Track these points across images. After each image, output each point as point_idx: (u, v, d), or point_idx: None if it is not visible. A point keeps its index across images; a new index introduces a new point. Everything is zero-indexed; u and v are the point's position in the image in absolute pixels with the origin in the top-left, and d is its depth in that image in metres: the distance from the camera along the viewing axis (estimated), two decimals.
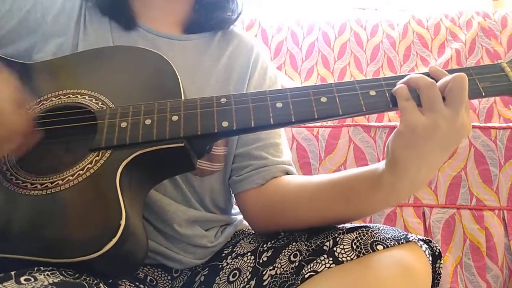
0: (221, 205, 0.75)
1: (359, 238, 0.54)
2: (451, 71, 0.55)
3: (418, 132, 0.51)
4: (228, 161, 0.73)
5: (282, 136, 0.77)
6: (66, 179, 0.51)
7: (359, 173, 0.60)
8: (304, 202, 0.65)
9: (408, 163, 0.53)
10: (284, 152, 0.74)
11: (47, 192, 0.51)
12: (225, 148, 0.72)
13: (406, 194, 0.61)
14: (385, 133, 1.10)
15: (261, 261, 0.63)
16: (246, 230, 0.78)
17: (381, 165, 0.57)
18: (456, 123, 0.51)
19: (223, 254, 0.70)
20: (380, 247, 0.52)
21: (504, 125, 1.09)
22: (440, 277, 0.58)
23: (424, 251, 0.54)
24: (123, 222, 0.47)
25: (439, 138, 0.51)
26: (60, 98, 0.60)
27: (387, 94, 0.55)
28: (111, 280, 0.54)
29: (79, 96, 0.60)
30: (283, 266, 0.60)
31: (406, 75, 0.56)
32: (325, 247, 0.56)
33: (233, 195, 0.77)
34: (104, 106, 0.58)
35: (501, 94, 0.57)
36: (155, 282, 0.68)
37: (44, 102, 0.60)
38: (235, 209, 0.81)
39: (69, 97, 0.60)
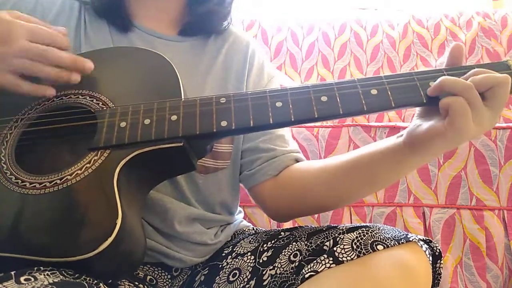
0: (228, 203, 0.75)
1: (359, 238, 0.54)
2: (459, 68, 0.55)
3: (465, 136, 0.52)
4: (236, 158, 0.74)
5: (286, 128, 0.79)
6: (65, 178, 0.51)
7: (378, 154, 0.62)
8: (323, 187, 0.68)
9: (439, 152, 0.57)
10: (289, 141, 0.77)
11: (45, 191, 0.51)
12: (230, 146, 0.73)
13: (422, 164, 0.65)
14: (385, 133, 1.10)
15: (261, 261, 0.63)
16: (246, 230, 0.78)
17: (399, 145, 0.59)
18: (492, 125, 0.55)
19: (223, 254, 0.70)
20: (380, 247, 0.52)
21: (504, 125, 1.09)
22: (440, 277, 0.58)
23: (424, 251, 0.54)
24: (119, 222, 0.47)
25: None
26: (61, 98, 0.60)
27: (388, 93, 0.54)
28: (110, 280, 0.54)
29: (80, 97, 0.60)
30: (283, 266, 0.60)
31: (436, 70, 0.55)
32: (325, 247, 0.56)
33: (239, 192, 0.77)
34: (105, 106, 0.58)
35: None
36: (155, 281, 0.68)
37: (46, 103, 0.60)
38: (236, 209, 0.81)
39: (70, 97, 0.60)
